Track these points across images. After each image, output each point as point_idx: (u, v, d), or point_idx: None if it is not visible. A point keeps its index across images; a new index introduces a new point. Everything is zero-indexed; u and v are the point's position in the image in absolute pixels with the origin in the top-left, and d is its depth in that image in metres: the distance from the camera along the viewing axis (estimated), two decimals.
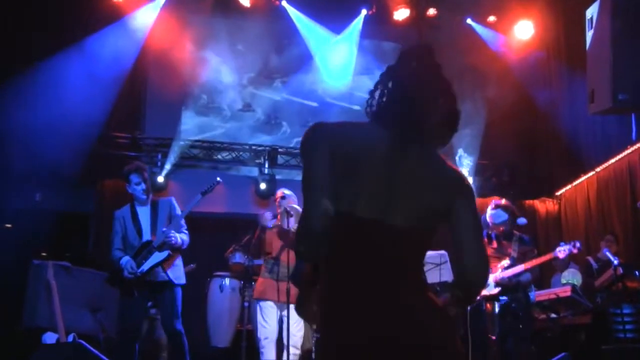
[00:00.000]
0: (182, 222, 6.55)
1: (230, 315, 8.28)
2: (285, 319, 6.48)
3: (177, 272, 6.49)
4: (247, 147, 10.95)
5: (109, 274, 6.49)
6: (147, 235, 6.44)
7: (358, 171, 2.22)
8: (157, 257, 6.33)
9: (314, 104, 11.44)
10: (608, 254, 7.47)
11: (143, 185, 6.53)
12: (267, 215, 6.94)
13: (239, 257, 8.29)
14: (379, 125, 2.32)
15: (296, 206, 6.75)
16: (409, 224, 2.24)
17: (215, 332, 8.27)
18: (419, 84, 2.36)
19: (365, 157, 2.24)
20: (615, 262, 7.14)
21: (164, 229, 6.36)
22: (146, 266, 6.30)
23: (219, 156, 10.98)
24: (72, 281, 6.54)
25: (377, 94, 2.38)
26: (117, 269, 6.36)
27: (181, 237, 6.44)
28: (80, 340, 5.76)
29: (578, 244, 6.60)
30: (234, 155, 10.98)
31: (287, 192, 7.01)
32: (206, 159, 10.90)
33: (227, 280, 8.32)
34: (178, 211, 6.59)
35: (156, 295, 6.46)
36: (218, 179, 6.84)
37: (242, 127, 11.19)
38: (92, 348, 5.47)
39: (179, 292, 6.47)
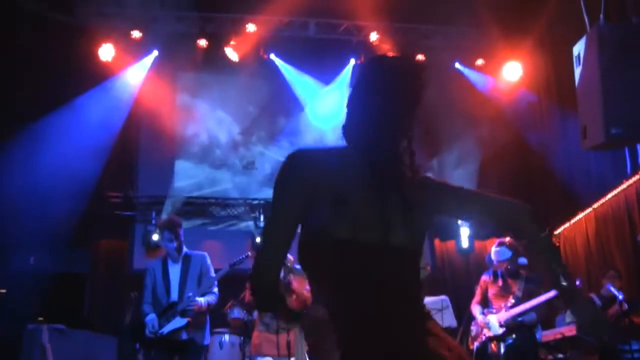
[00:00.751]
0: (214, 280, 6.42)
1: None
2: None
3: (201, 332, 6.32)
4: (242, 201, 10.89)
5: (133, 325, 6.37)
6: (174, 294, 6.29)
7: (348, 200, 2.13)
8: (179, 322, 6.19)
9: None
10: (612, 289, 7.37)
11: (174, 243, 6.39)
12: None
13: (237, 313, 8.15)
14: (354, 149, 2.28)
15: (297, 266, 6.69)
16: (410, 247, 2.18)
17: None
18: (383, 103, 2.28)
19: (353, 185, 2.16)
20: (620, 297, 7.03)
21: (190, 294, 6.20)
22: (166, 329, 6.18)
23: (214, 212, 10.91)
24: (68, 343, 6.43)
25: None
26: (141, 324, 6.27)
27: (207, 299, 6.28)
28: None
29: (578, 282, 6.49)
30: (228, 211, 10.92)
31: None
32: (201, 215, 10.81)
33: (226, 337, 8.14)
34: (211, 269, 6.45)
35: (177, 354, 6.27)
36: (249, 253, 6.75)
37: (239, 183, 11.15)
38: None
39: (201, 352, 6.34)
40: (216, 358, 8.11)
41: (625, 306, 7.14)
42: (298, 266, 6.83)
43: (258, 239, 10.35)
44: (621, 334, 7.34)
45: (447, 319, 7.51)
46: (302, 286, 6.63)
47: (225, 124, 11.04)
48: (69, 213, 9.16)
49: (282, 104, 11.58)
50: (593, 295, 8.44)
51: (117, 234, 10.58)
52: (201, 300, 6.20)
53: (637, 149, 9.05)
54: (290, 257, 6.66)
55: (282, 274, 6.42)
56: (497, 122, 10.90)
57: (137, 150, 10.81)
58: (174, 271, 6.40)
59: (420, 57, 11.41)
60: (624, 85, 6.46)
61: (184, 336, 6.19)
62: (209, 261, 6.52)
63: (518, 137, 11.14)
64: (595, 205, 10.25)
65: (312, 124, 11.39)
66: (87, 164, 9.48)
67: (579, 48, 7.10)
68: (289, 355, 6.29)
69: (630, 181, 9.25)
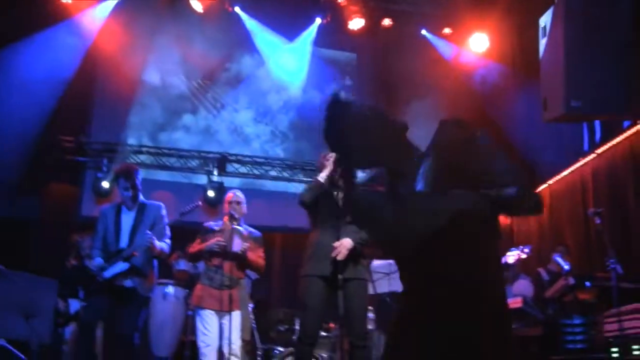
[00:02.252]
0: (167, 230, 6.30)
1: (174, 324, 7.98)
2: (225, 327, 6.27)
3: (146, 282, 6.16)
4: (196, 154, 10.74)
5: (75, 269, 6.24)
6: (124, 241, 6.13)
7: None
8: (122, 266, 6.02)
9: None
10: (559, 259, 7.40)
11: (130, 192, 6.23)
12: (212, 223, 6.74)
13: (183, 265, 8.04)
14: None
15: (253, 230, 6.60)
16: None
17: (158, 341, 7.96)
18: None
19: None
20: (567, 267, 7.05)
21: (148, 232, 6.06)
22: (109, 273, 6.01)
23: (167, 163, 10.74)
24: (6, 285, 6.24)
25: None
26: (84, 267, 6.19)
27: (160, 244, 6.14)
28: (4, 343, 5.49)
29: (527, 249, 6.48)
30: (182, 162, 10.76)
31: (241, 196, 6.77)
32: (154, 165, 10.64)
33: (170, 288, 8.02)
34: (165, 220, 6.32)
35: (120, 302, 6.11)
36: (199, 202, 6.66)
37: (195, 134, 10.99)
38: (18, 352, 5.21)
39: (144, 302, 6.21)
40: (159, 309, 8.00)
41: (572, 281, 7.15)
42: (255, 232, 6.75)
43: (210, 193, 10.27)
44: (565, 308, 7.38)
45: (395, 284, 7.48)
46: (256, 254, 6.56)
47: (185, 74, 10.87)
48: (19, 157, 8.93)
49: (244, 57, 11.42)
50: (541, 270, 8.47)
51: (68, 180, 10.37)
52: (156, 241, 6.08)
53: (595, 126, 9.08)
54: (244, 229, 6.57)
55: (237, 243, 6.37)
56: (460, 92, 10.84)
57: (93, 95, 10.55)
58: (127, 219, 6.25)
59: (387, 21, 11.30)
60: (588, 60, 6.43)
61: (128, 284, 6.05)
62: (164, 212, 6.38)
63: (480, 109, 11.09)
64: (551, 181, 10.28)
65: (274, 78, 11.26)
66: (39, 106, 9.23)
67: (545, 19, 7.04)
68: (230, 311, 6.21)
69: (587, 158, 9.27)
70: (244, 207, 6.71)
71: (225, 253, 6.34)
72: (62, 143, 10.10)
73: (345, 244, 5.23)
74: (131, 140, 10.48)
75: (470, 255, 2.47)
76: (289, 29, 11.28)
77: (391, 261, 6.89)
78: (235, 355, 6.25)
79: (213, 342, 6.31)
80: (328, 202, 5.42)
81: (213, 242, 6.37)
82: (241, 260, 6.41)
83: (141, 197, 6.35)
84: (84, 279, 6.19)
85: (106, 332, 7.45)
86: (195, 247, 6.57)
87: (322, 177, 5.41)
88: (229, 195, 6.79)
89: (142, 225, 6.18)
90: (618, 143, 8.84)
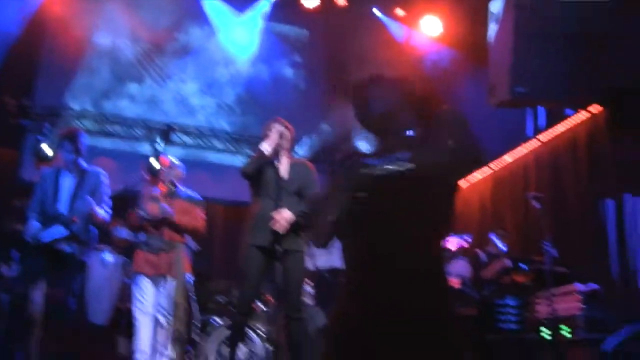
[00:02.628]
0: (107, 197, 6.22)
1: (110, 291, 7.91)
2: (161, 294, 6.26)
3: (83, 247, 6.08)
4: (142, 122, 10.61)
5: (12, 232, 6.13)
6: (63, 206, 6.02)
7: None
8: (60, 231, 5.93)
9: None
10: (496, 240, 7.51)
11: (73, 155, 6.13)
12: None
13: (124, 233, 7.96)
14: None
15: (190, 192, 6.56)
16: None
17: (94, 308, 7.88)
18: None
19: None
20: (503, 248, 7.17)
21: (88, 198, 5.98)
22: (47, 236, 5.91)
23: (111, 130, 10.58)
24: None
25: None
26: (21, 231, 6.06)
27: (100, 211, 6.06)
28: None
29: (469, 238, 6.56)
30: (126, 130, 10.61)
31: (175, 161, 6.75)
32: (98, 132, 10.47)
33: (109, 255, 7.95)
34: (105, 188, 6.23)
35: (56, 266, 6.02)
36: (145, 176, 6.64)
37: (140, 103, 10.85)
38: None
39: (80, 267, 6.14)
40: (96, 276, 7.91)
41: (508, 263, 7.29)
42: (193, 194, 6.71)
43: (154, 162, 10.13)
44: (501, 289, 7.52)
45: (335, 260, 7.50)
46: (194, 217, 6.53)
47: (132, 41, 10.71)
48: None
49: (193, 28, 11.30)
50: (479, 251, 8.60)
51: (8, 143, 10.15)
52: (97, 208, 6.00)
53: (539, 114, 9.22)
54: (183, 192, 6.53)
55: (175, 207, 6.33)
56: (411, 75, 10.83)
57: (38, 56, 10.33)
58: (67, 184, 6.14)
59: (342, 0, 11.27)
60: (535, 49, 6.54)
61: (65, 248, 5.96)
62: (105, 180, 6.30)
63: (429, 92, 11.11)
64: (494, 166, 10.41)
65: (223, 50, 11.18)
66: None
67: (496, 5, 7.12)
68: (167, 275, 6.22)
69: (529, 144, 9.41)
70: (178, 171, 6.69)
71: (162, 219, 6.30)
72: (4, 105, 9.86)
73: (284, 216, 5.24)
74: (75, 106, 10.29)
75: (413, 233, 2.50)
76: (241, 1, 11.19)
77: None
78: (169, 323, 6.24)
79: (148, 310, 6.29)
80: (270, 173, 5.41)
81: (148, 209, 6.35)
82: (176, 225, 6.38)
83: (83, 163, 6.25)
84: (19, 243, 6.08)
85: (43, 296, 7.36)
86: (133, 216, 6.53)
87: (266, 147, 5.39)
88: (163, 159, 6.76)
89: (82, 191, 6.09)
90: (560, 131, 9.01)
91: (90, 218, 6.01)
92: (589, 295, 6.34)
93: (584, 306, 6.25)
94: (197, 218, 6.59)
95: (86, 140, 6.34)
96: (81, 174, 6.20)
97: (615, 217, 7.87)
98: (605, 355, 5.63)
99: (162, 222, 6.33)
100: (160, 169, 6.66)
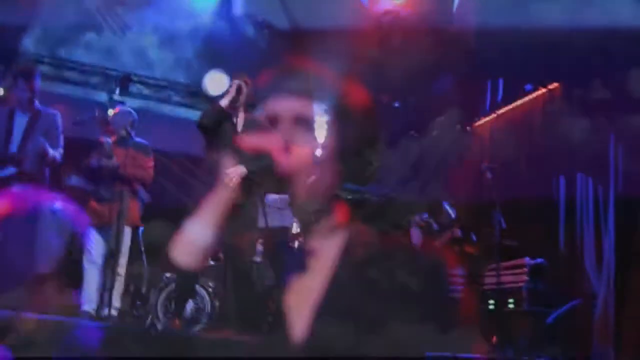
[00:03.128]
0: (61, 140, 6.15)
1: (60, 240, 7.82)
2: (111, 243, 6.23)
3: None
4: (99, 69, 10.42)
5: None
6: (14, 145, 5.97)
7: None
8: (9, 170, 5.90)
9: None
10: (447, 207, 7.57)
11: (27, 94, 6.02)
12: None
13: (75, 181, 7.86)
14: None
15: (141, 140, 6.51)
16: None
17: (42, 257, 7.80)
18: None
19: None
20: (453, 215, 7.24)
21: (41, 138, 5.90)
22: None
23: (68, 76, 10.39)
24: None
25: None
26: None
27: (53, 152, 6.00)
28: None
29: (425, 216, 6.60)
30: (83, 77, 10.42)
31: (125, 108, 6.67)
32: (54, 77, 10.27)
33: (59, 204, 7.84)
34: (60, 129, 6.19)
35: None
36: (96, 113, 6.55)
37: (97, 52, 10.64)
38: None
39: None
40: (47, 225, 7.83)
41: (459, 232, 7.36)
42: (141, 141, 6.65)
43: (109, 111, 9.99)
44: (452, 259, 7.60)
45: (287, 219, 7.50)
46: (141, 165, 6.49)
47: None
48: None
49: None
50: (432, 221, 8.66)
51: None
52: (49, 148, 5.91)
53: (498, 88, 9.27)
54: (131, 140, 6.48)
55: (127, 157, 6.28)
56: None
57: None
58: (20, 123, 6.07)
59: None
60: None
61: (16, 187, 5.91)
62: (59, 121, 6.21)
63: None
64: None
65: (183, 3, 10.95)
66: None
67: None
68: (116, 224, 6.18)
69: (487, 118, 9.48)
70: (127, 118, 6.63)
71: (111, 168, 6.26)
72: None
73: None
74: (30, 50, 10.05)
75: None
76: None
77: (285, 196, 6.88)
78: (119, 274, 6.22)
79: (97, 260, 6.26)
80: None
81: (96, 158, 6.30)
82: (125, 174, 6.35)
83: (37, 103, 6.13)
84: None
85: None
86: (85, 164, 6.48)
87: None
88: (118, 108, 6.73)
89: (35, 131, 5.99)
90: (518, 106, 9.08)
91: (42, 158, 5.91)
92: (535, 269, 6.45)
93: (529, 279, 6.36)
94: (145, 167, 6.54)
95: (39, 79, 6.22)
96: (35, 114, 6.10)
97: (565, 194, 7.99)
98: (548, 327, 5.76)
99: (111, 172, 6.26)
100: (114, 116, 6.59)
